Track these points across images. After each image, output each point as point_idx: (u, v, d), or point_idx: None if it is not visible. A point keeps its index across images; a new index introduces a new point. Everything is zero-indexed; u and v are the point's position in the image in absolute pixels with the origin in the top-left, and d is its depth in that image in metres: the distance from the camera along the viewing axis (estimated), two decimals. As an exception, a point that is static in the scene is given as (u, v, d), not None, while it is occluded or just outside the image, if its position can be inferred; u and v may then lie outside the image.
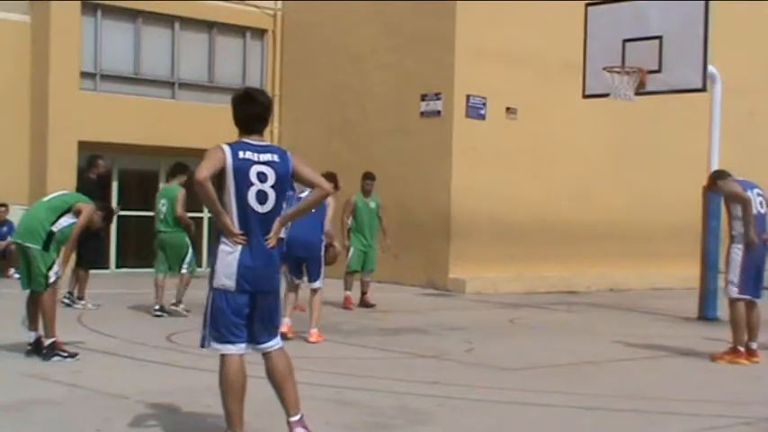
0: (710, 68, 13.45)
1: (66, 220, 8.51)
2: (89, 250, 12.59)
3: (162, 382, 7.69)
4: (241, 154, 5.35)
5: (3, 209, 17.73)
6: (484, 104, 17.94)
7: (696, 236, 14.53)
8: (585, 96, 14.63)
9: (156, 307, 12.07)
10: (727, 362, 9.58)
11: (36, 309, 8.55)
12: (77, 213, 8.56)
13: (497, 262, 17.75)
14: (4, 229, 17.44)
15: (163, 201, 12.28)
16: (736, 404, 7.48)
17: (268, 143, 5.57)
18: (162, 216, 12.26)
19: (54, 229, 8.43)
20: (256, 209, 5.35)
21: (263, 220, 5.38)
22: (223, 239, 5.37)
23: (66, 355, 8.41)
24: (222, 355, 5.42)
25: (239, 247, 5.33)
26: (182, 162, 12.77)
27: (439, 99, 17.84)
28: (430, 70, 17.99)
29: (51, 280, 8.43)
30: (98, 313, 12.13)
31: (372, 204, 14.28)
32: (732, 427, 6.74)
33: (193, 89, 20.61)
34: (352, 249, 14.02)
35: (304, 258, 10.32)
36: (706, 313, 13.80)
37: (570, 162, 18.97)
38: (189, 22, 20.46)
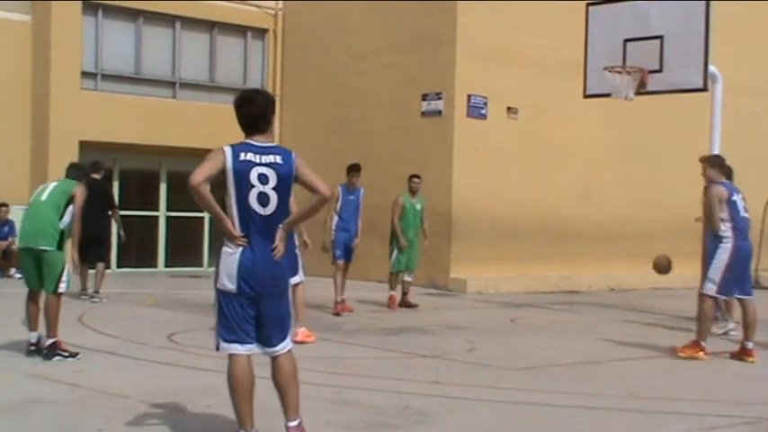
0: (711, 68, 13.43)
1: (69, 216, 8.66)
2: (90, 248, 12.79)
3: (163, 381, 7.69)
4: (242, 156, 5.31)
5: (4, 208, 17.72)
6: (485, 104, 17.94)
7: (697, 236, 14.48)
8: (586, 96, 14.59)
9: None
10: (687, 356, 9.62)
11: (36, 309, 8.57)
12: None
13: (499, 261, 17.75)
14: (6, 228, 17.44)
15: None
16: (737, 404, 7.47)
17: (273, 144, 5.50)
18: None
19: (63, 227, 8.58)
20: (258, 211, 5.31)
21: (266, 223, 5.34)
22: (226, 240, 5.36)
23: (67, 354, 8.41)
24: (229, 355, 5.40)
25: (240, 249, 5.31)
26: None
27: (440, 99, 17.84)
28: (431, 70, 17.98)
29: (62, 289, 8.49)
30: (99, 313, 12.14)
31: (418, 206, 14.19)
32: (734, 426, 6.73)
33: (194, 89, 20.61)
34: (395, 251, 13.97)
35: None
36: (707, 313, 13.77)
37: (571, 162, 18.96)
38: (190, 22, 20.46)
